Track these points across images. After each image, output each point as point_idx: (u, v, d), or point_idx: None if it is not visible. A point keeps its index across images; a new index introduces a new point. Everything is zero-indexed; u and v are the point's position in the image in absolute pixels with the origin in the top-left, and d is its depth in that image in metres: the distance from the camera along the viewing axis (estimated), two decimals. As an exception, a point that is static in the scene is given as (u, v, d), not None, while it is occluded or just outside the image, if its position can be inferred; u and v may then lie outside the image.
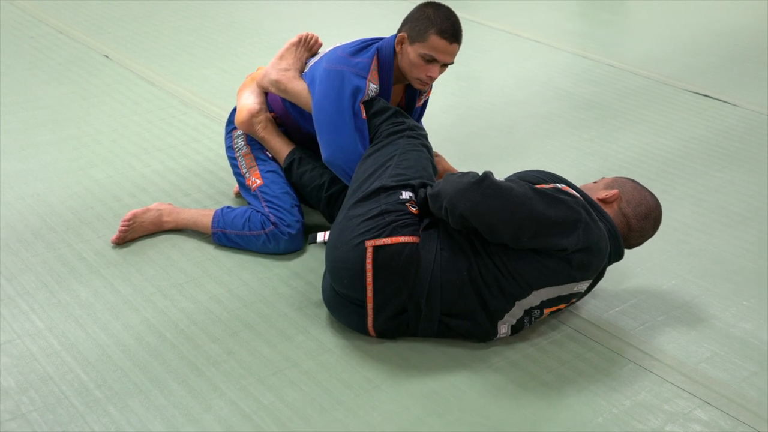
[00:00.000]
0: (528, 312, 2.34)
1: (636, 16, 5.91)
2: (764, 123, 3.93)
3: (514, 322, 2.34)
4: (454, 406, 2.17)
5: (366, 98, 2.62)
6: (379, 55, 2.68)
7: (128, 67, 4.44)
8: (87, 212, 3.02)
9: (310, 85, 2.72)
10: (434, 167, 2.55)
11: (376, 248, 2.25)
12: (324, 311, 2.50)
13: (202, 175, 3.32)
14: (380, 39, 2.75)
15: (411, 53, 2.64)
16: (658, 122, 3.94)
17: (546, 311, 2.37)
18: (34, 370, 2.25)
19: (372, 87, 2.64)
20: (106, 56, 4.60)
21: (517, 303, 2.30)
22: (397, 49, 2.68)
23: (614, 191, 2.44)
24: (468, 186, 2.22)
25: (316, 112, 2.67)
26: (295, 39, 2.87)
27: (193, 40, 4.92)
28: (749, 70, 4.69)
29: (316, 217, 2.97)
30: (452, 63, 2.68)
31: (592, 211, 2.33)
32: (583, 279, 2.35)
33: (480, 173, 2.28)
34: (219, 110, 3.92)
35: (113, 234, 2.85)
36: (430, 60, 2.63)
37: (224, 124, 3.65)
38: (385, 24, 5.21)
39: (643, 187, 2.51)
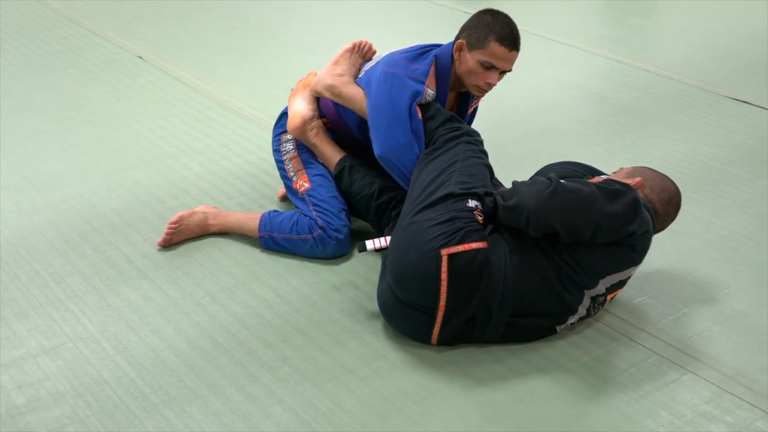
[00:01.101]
0: (594, 299, 2.37)
1: (666, 21, 5.87)
2: (805, 130, 3.90)
3: (584, 312, 2.38)
4: (511, 414, 2.15)
5: (423, 102, 2.60)
6: (437, 62, 2.67)
7: (163, 69, 4.43)
8: (131, 214, 3.01)
9: (366, 87, 2.71)
10: (492, 173, 2.53)
11: (450, 256, 2.23)
12: (376, 318, 2.49)
13: (243, 178, 3.30)
14: (437, 45, 2.74)
15: (470, 60, 2.62)
16: (698, 128, 3.91)
17: (609, 297, 2.42)
18: (89, 374, 2.23)
19: (429, 93, 2.63)
20: (140, 57, 4.59)
21: (586, 292, 2.34)
22: (455, 56, 2.66)
23: (638, 179, 2.46)
24: (547, 196, 2.26)
25: (372, 111, 2.65)
26: (349, 45, 2.85)
27: (225, 42, 4.91)
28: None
29: (361, 223, 2.95)
30: (510, 70, 2.66)
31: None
32: (640, 262, 2.42)
33: (544, 179, 2.30)
34: (256, 112, 3.91)
35: (158, 236, 2.84)
36: (489, 67, 2.62)
37: (262, 127, 3.69)
38: (410, 26, 5.22)
39: (663, 174, 2.57)
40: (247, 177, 3.31)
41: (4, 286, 2.58)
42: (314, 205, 2.80)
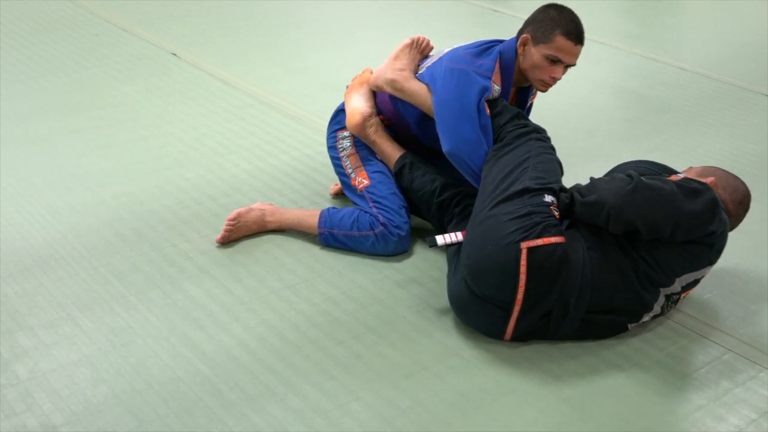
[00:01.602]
0: (668, 297, 2.36)
1: (696, 20, 5.86)
2: None
3: (659, 310, 2.37)
4: (593, 412, 2.13)
5: (490, 98, 2.59)
6: (501, 57, 2.65)
7: (198, 66, 4.41)
8: (184, 211, 2.99)
9: (431, 83, 2.69)
10: (562, 170, 2.52)
11: (530, 249, 2.22)
12: (445, 315, 2.47)
13: (293, 175, 3.28)
14: (500, 41, 2.72)
15: (535, 54, 2.61)
16: (741, 126, 3.90)
17: (683, 295, 2.41)
18: (163, 371, 2.21)
19: (496, 89, 2.61)
20: (174, 54, 4.57)
21: (662, 290, 2.33)
22: (520, 51, 2.65)
23: (711, 178, 2.44)
24: (628, 192, 2.25)
25: (439, 106, 2.62)
26: (408, 41, 2.83)
27: (260, 39, 4.90)
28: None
29: (418, 221, 2.92)
30: (575, 65, 2.64)
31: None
32: (716, 262, 2.41)
33: (624, 176, 2.30)
34: (298, 110, 3.89)
35: (214, 233, 2.83)
36: (555, 61, 2.61)
37: (305, 125, 3.67)
38: (438, 25, 5.21)
39: (734, 175, 2.55)
40: (297, 174, 3.29)
41: (65, 283, 2.56)
42: (374, 201, 2.78)
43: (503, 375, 2.24)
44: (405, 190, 2.81)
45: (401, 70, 2.78)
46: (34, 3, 5.36)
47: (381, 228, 2.71)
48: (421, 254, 2.77)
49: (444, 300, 2.52)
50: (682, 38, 5.45)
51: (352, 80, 2.98)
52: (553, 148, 2.54)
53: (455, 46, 2.77)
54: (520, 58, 2.66)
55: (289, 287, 2.58)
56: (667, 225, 2.24)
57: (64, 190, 3.11)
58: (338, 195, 3.12)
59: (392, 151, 2.85)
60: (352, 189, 2.86)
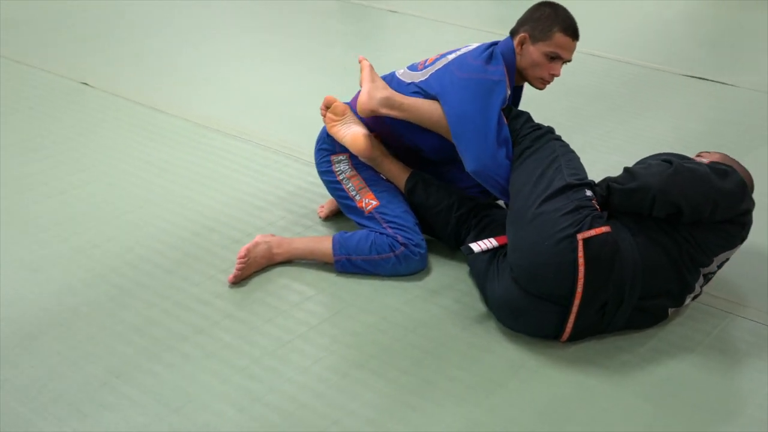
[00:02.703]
0: (706, 277, 2.45)
1: (588, 4, 6.06)
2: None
3: (699, 290, 2.45)
4: (674, 405, 2.18)
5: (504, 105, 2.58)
6: (504, 60, 2.64)
7: (116, 93, 4.16)
8: (176, 253, 2.82)
9: (441, 94, 2.64)
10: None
11: (585, 240, 2.23)
12: (490, 326, 2.45)
13: (273, 201, 3.15)
14: (495, 43, 2.71)
15: (534, 53, 2.63)
16: (675, 107, 4.09)
17: (716, 272, 2.50)
18: (239, 429, 2.07)
19: (507, 94, 2.60)
20: (85, 83, 4.29)
21: (701, 270, 2.41)
22: (518, 51, 2.66)
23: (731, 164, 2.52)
24: (670, 175, 2.31)
25: (459, 122, 2.58)
26: (367, 62, 2.76)
27: (162, 58, 4.67)
28: (726, 50, 4.96)
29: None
30: (571, 60, 2.67)
31: None
32: (746, 239, 2.47)
33: (660, 162, 2.37)
34: (240, 128, 3.75)
35: (220, 273, 2.69)
36: (554, 58, 2.63)
37: (259, 146, 3.57)
38: (308, 20, 5.15)
39: (742, 166, 2.60)
40: (277, 200, 3.16)
41: (84, 347, 2.36)
42: (388, 222, 2.71)
43: (574, 379, 2.25)
44: (418, 207, 2.76)
45: (385, 88, 2.71)
46: None
47: (402, 248, 2.65)
48: (437, 269, 2.73)
49: (481, 311, 2.51)
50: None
51: (323, 112, 2.82)
52: (569, 145, 2.57)
53: (458, 52, 2.73)
54: (518, 57, 2.67)
55: (325, 321, 2.48)
56: (708, 204, 2.31)
57: (34, 243, 2.86)
58: (329, 217, 3.03)
59: (400, 170, 2.80)
60: (359, 211, 2.77)
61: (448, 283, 2.67)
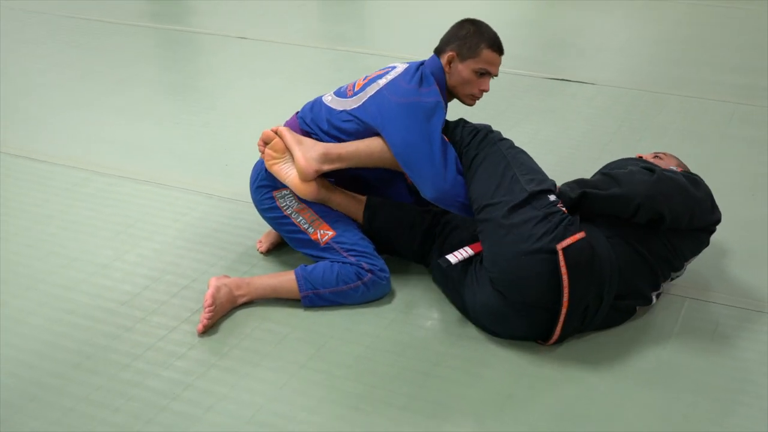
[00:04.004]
0: (673, 278, 2.61)
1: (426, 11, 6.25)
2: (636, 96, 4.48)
3: (662, 289, 2.59)
4: (677, 386, 2.32)
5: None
6: (435, 80, 2.68)
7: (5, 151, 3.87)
8: (124, 310, 2.66)
9: (383, 127, 2.62)
10: None
11: (565, 249, 2.29)
12: (477, 338, 2.51)
13: (203, 242, 3.04)
14: (422, 62, 2.75)
15: (464, 71, 2.68)
16: (549, 109, 4.31)
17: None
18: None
19: (444, 113, 2.65)
20: (-53, 139, 3.95)
21: (673, 274, 2.56)
22: (446, 69, 2.70)
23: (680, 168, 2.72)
24: (655, 183, 2.41)
25: (405, 152, 2.58)
26: (282, 127, 2.72)
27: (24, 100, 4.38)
28: (573, 50, 5.28)
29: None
30: (498, 75, 2.75)
31: None
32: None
33: (641, 168, 2.48)
34: (135, 171, 3.59)
35: (182, 323, 2.59)
36: (483, 73, 2.70)
37: (162, 181, 3.48)
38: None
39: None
40: (207, 239, 3.05)
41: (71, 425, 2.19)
42: (347, 250, 2.70)
43: (575, 377, 2.35)
44: (381, 231, 2.77)
45: (316, 144, 2.67)
46: None
47: (369, 275, 2.65)
48: (400, 289, 2.76)
49: (461, 325, 2.57)
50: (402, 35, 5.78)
51: (261, 148, 2.75)
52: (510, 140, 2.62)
53: (387, 76, 2.73)
54: (447, 76, 2.72)
55: (312, 357, 2.44)
56: (687, 213, 2.45)
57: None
58: (270, 251, 2.97)
59: (350, 201, 2.79)
60: (313, 244, 2.74)
61: (416, 302, 2.70)
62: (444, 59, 2.70)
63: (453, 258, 2.51)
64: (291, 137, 2.68)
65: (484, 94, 2.77)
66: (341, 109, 2.76)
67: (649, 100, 4.41)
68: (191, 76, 4.91)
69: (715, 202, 2.57)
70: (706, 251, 2.70)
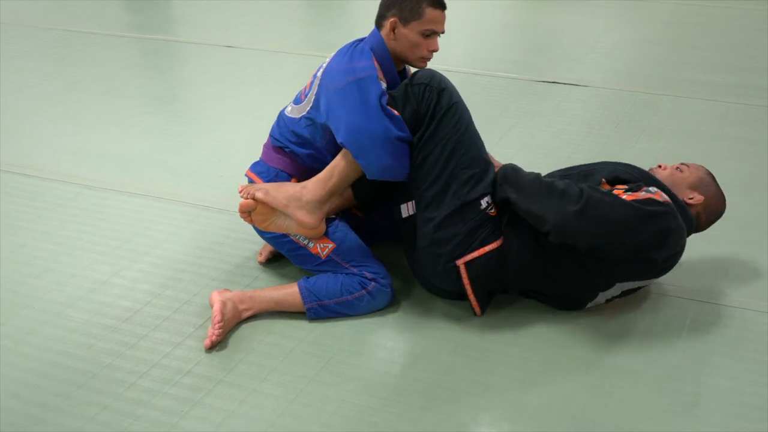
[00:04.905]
0: (609, 299, 2.59)
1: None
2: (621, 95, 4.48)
3: (603, 300, 2.58)
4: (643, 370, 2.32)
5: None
6: (375, 54, 2.62)
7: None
8: (127, 327, 2.63)
9: (327, 117, 2.57)
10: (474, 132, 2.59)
11: (467, 264, 2.47)
12: (484, 347, 2.50)
13: (202, 255, 3.00)
14: (360, 40, 2.68)
15: (409, 34, 2.60)
16: (541, 112, 4.30)
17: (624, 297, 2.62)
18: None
19: (383, 86, 2.57)
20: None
21: (601, 293, 2.54)
22: (390, 37, 2.63)
23: (701, 198, 2.58)
24: (574, 215, 2.33)
25: (350, 136, 2.50)
26: (258, 186, 2.63)
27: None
28: (560, 52, 5.28)
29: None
30: (444, 32, 2.67)
31: (678, 216, 2.44)
32: (664, 274, 2.54)
33: (579, 190, 2.38)
34: (128, 183, 3.54)
35: (189, 340, 2.55)
36: (430, 34, 2.63)
37: (151, 197, 3.43)
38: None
39: (721, 192, 2.67)
40: (205, 253, 3.02)
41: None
42: (349, 261, 2.67)
43: (590, 386, 2.34)
44: (371, 194, 2.80)
45: (302, 190, 2.60)
46: None
47: (372, 284, 2.63)
48: (406, 300, 2.74)
49: (467, 333, 2.56)
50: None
51: (246, 218, 2.65)
52: (456, 103, 2.55)
53: (324, 65, 2.67)
54: (393, 43, 2.64)
55: (321, 371, 2.41)
56: (610, 248, 2.37)
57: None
58: (270, 260, 2.94)
59: (342, 200, 2.79)
60: (314, 258, 2.69)
61: (419, 311, 2.68)
62: (386, 27, 2.62)
63: (404, 210, 2.59)
64: (274, 200, 2.58)
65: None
66: (299, 116, 2.72)
67: (642, 102, 4.41)
68: (178, 86, 4.87)
69: (671, 243, 2.40)
70: (702, 252, 2.71)
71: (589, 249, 2.38)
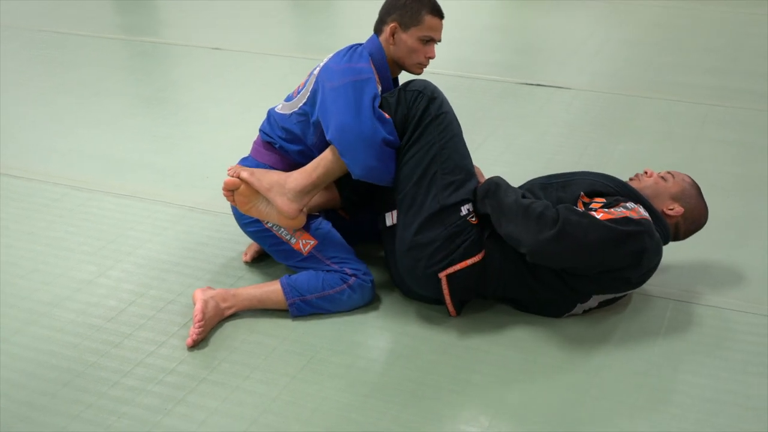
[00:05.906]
0: (587, 310, 2.62)
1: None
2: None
3: (581, 311, 2.62)
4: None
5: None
6: (372, 58, 2.66)
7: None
8: (112, 326, 2.65)
9: (321, 114, 2.60)
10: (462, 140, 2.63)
11: (449, 276, 2.50)
12: (467, 346, 2.53)
13: (186, 254, 3.03)
14: (359, 44, 2.72)
15: (408, 40, 2.66)
16: (527, 115, 4.34)
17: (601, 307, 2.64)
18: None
19: (378, 90, 2.61)
20: None
21: (579, 305, 2.59)
22: (389, 42, 2.68)
23: (681, 210, 2.60)
24: (549, 240, 2.34)
25: (338, 134, 2.53)
26: (244, 173, 2.65)
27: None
28: (545, 55, 5.32)
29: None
30: (441, 40, 2.72)
31: (655, 232, 2.45)
32: (638, 287, 2.59)
33: (556, 213, 2.39)
34: (114, 184, 3.57)
35: (172, 338, 2.58)
36: (428, 40, 2.68)
37: (134, 198, 3.46)
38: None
39: (704, 202, 2.68)
40: (189, 253, 3.05)
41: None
42: (330, 257, 2.71)
43: (569, 385, 2.38)
44: (356, 189, 2.83)
45: (286, 178, 2.64)
46: None
47: (353, 278, 2.66)
48: (388, 298, 2.77)
49: (449, 333, 2.59)
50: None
51: (229, 197, 2.67)
52: (447, 112, 2.59)
53: (321, 65, 2.71)
54: (391, 48, 2.69)
55: (303, 368, 2.45)
56: (584, 268, 2.42)
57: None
58: (254, 259, 2.97)
59: (323, 192, 2.82)
60: (296, 254, 2.73)
61: (402, 310, 2.71)
62: (386, 32, 2.67)
63: (389, 218, 2.62)
64: (258, 182, 2.62)
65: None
66: (291, 112, 2.76)
67: (624, 104, 4.47)
68: (166, 88, 4.90)
69: (645, 262, 2.43)
70: (681, 252, 2.75)
71: (563, 269, 2.46)
